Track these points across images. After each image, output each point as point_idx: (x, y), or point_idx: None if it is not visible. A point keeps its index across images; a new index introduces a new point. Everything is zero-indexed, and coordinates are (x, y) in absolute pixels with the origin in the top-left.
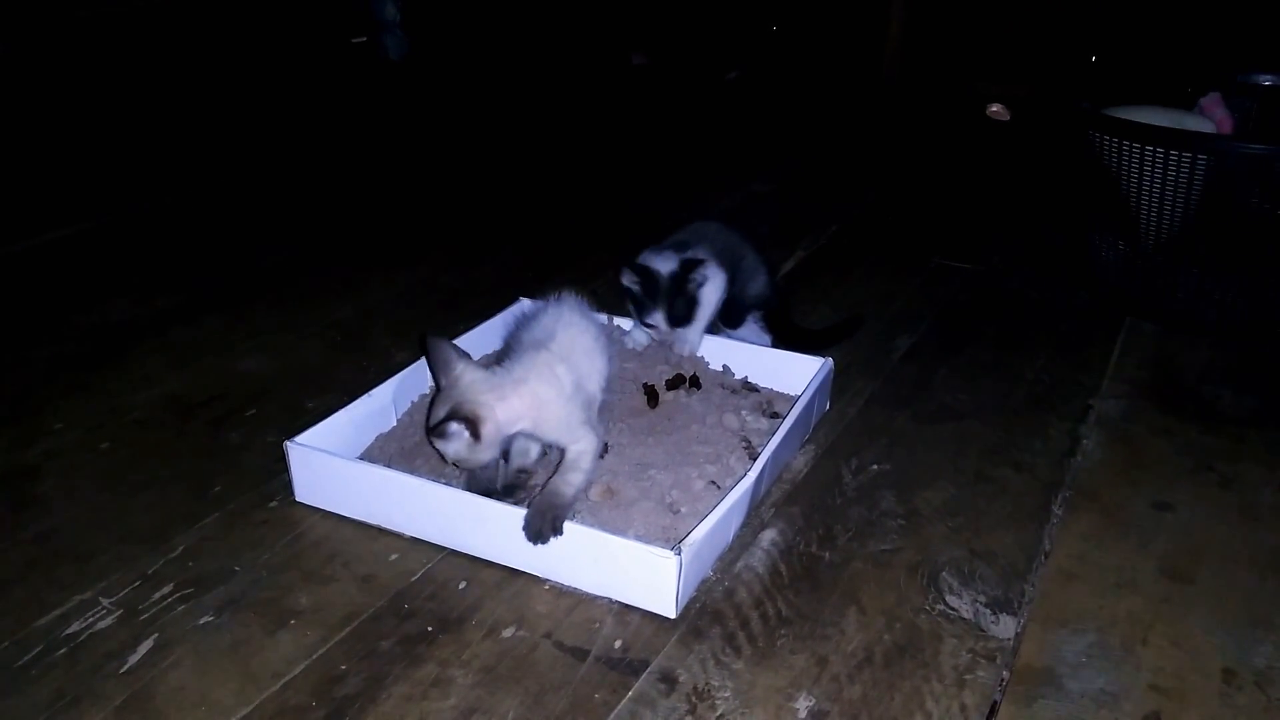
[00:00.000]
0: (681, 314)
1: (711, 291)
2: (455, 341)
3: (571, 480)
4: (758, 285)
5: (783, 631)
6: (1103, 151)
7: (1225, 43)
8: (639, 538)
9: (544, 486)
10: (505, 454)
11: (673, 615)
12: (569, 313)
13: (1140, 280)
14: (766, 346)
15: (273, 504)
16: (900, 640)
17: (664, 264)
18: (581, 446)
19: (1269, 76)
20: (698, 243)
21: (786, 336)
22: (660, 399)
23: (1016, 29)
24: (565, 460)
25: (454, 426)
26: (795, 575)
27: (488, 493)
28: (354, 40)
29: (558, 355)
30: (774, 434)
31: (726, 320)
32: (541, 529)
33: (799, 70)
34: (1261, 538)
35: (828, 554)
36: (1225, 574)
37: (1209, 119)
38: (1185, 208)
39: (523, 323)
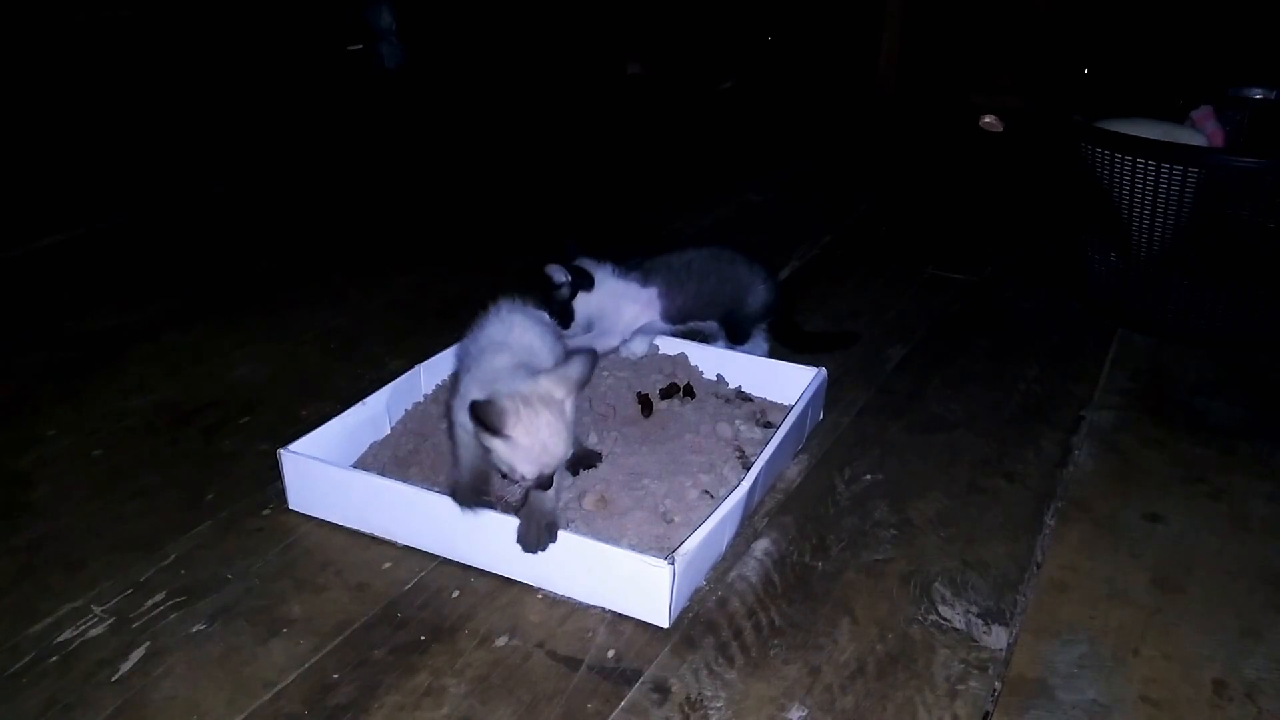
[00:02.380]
0: (558, 317)
1: (589, 303)
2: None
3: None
4: (757, 297)
5: (776, 641)
6: (1095, 164)
7: (1217, 56)
8: (632, 547)
9: (525, 498)
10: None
11: (666, 625)
12: (509, 314)
13: (1132, 292)
14: (762, 357)
15: (266, 512)
16: (893, 650)
17: (555, 273)
18: None
19: (1260, 90)
20: (655, 268)
21: (786, 335)
22: (654, 408)
23: (1010, 41)
24: None
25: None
26: (788, 585)
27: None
28: (349, 48)
29: (518, 356)
30: (767, 443)
31: (730, 336)
32: (540, 537)
33: (794, 80)
34: (1252, 549)
35: (821, 564)
36: (1216, 585)
37: (1200, 132)
38: (1177, 220)
39: (471, 336)
